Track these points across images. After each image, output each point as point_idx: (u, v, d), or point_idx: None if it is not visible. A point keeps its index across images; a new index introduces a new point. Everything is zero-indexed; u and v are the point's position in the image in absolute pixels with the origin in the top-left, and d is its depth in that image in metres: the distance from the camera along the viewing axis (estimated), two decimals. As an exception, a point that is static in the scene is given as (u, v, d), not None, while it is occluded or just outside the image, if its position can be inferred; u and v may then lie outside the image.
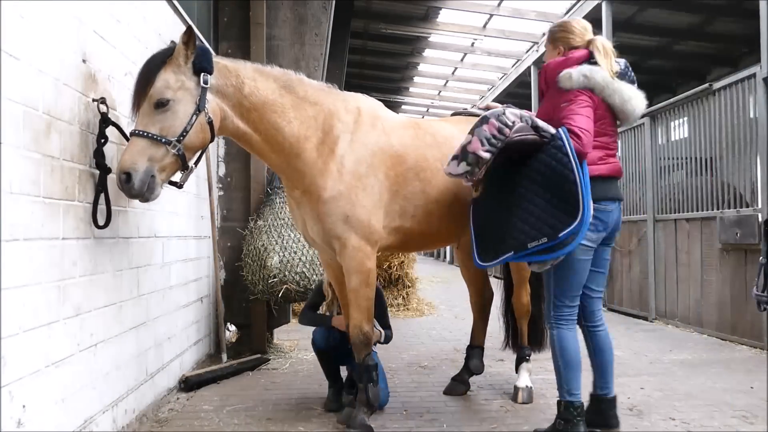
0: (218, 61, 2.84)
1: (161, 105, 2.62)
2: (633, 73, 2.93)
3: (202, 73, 2.70)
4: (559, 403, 2.86)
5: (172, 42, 2.80)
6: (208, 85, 2.72)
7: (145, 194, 2.57)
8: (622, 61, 2.92)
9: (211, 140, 2.81)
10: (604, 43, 2.87)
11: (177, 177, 2.80)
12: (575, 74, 2.77)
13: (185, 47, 2.67)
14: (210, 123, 2.73)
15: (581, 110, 2.73)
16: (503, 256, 2.75)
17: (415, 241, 3.40)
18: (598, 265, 2.95)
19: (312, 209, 3.03)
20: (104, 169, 2.69)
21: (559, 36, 2.99)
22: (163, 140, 2.60)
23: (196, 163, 2.88)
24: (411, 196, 3.17)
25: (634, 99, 2.82)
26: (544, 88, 2.97)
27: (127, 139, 2.91)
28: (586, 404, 2.92)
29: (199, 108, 2.68)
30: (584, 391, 2.91)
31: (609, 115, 2.85)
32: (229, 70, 2.84)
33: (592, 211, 2.58)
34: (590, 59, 2.84)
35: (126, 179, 2.52)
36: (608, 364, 2.99)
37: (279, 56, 4.83)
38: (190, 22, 4.28)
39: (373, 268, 3.10)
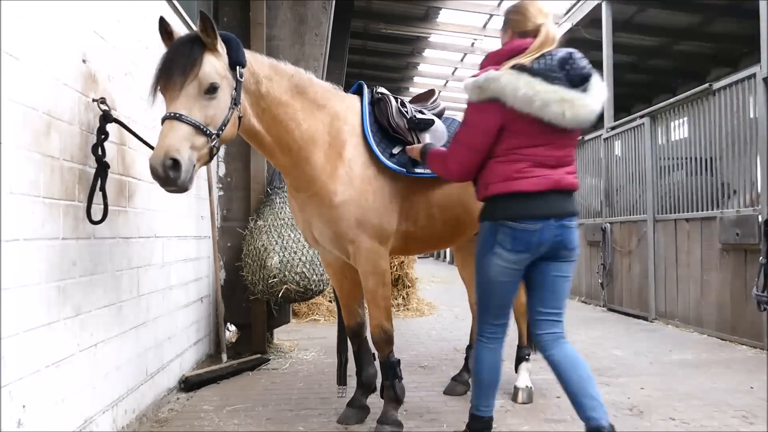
0: (245, 55, 2.71)
1: (212, 90, 2.43)
2: (582, 65, 2.43)
3: (238, 66, 2.58)
4: (469, 413, 2.72)
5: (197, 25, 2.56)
6: (243, 80, 2.61)
7: (187, 184, 2.33)
8: (563, 51, 2.45)
9: (233, 137, 2.70)
10: (547, 35, 2.45)
11: None
12: (471, 87, 2.44)
13: (205, 35, 2.47)
14: (239, 119, 2.62)
15: (463, 137, 2.52)
16: None
17: (417, 244, 3.40)
18: (541, 282, 2.57)
19: (322, 213, 2.99)
20: (103, 165, 2.65)
21: (509, 18, 2.60)
22: (207, 131, 2.40)
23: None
24: (415, 199, 3.16)
25: (554, 104, 2.31)
26: None
27: (137, 136, 2.93)
28: None
29: (236, 102, 2.56)
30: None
31: (534, 124, 2.38)
32: (253, 66, 2.73)
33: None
34: (514, 57, 2.46)
35: (172, 165, 2.27)
36: (575, 387, 2.49)
37: (279, 56, 4.78)
38: (190, 22, 4.28)
39: (387, 268, 3.10)
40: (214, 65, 2.48)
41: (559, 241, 2.47)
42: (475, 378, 2.70)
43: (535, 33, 2.48)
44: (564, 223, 2.47)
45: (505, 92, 2.35)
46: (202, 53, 2.45)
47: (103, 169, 2.66)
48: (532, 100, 2.32)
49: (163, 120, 2.38)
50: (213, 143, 2.46)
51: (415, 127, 3.12)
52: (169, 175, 2.28)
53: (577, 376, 2.49)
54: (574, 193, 2.55)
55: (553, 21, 2.56)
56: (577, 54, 2.46)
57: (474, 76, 2.48)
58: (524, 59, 2.40)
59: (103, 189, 2.66)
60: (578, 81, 2.41)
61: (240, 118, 2.63)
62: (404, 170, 3.03)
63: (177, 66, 2.39)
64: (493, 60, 2.51)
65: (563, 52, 2.45)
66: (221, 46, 2.56)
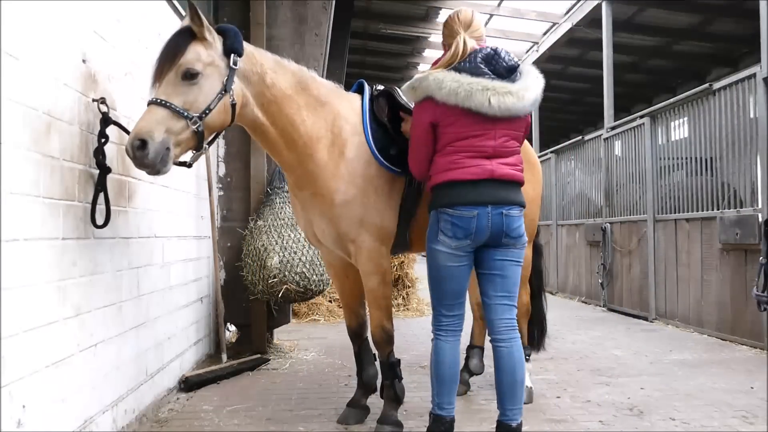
0: (246, 46, 2.78)
1: (189, 76, 2.52)
2: (506, 58, 2.64)
3: (232, 54, 2.64)
4: (429, 414, 2.72)
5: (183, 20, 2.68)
6: (237, 68, 2.66)
7: (158, 166, 2.45)
8: (488, 49, 2.66)
9: (230, 124, 2.75)
10: (456, 48, 2.66)
11: (187, 157, 2.70)
12: (406, 88, 2.69)
13: (193, 23, 2.57)
14: (233, 106, 2.67)
15: (413, 136, 2.74)
16: None
17: (419, 243, 3.40)
18: (488, 268, 2.69)
19: (323, 212, 3.00)
20: (104, 169, 2.68)
21: (443, 35, 2.91)
22: (185, 114, 2.49)
23: (210, 144, 2.80)
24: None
25: (478, 93, 2.49)
26: None
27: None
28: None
29: (226, 88, 2.61)
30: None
31: (465, 116, 2.55)
32: (255, 58, 2.79)
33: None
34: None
35: (140, 146, 2.38)
36: (507, 387, 2.64)
37: (279, 56, 4.82)
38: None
39: (389, 267, 3.12)
40: (197, 53, 2.57)
41: (499, 228, 2.60)
42: (435, 375, 2.69)
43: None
44: (502, 210, 2.60)
45: (432, 88, 2.56)
46: (188, 42, 2.56)
47: (104, 173, 2.68)
48: (457, 91, 2.51)
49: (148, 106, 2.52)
50: (195, 127, 2.53)
51: None
52: (136, 155, 2.40)
53: (512, 379, 2.65)
54: (517, 184, 2.68)
55: (472, 32, 2.76)
56: (502, 50, 2.68)
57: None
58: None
59: (105, 192, 2.68)
60: (505, 73, 2.61)
61: (234, 105, 2.67)
62: (399, 170, 3.02)
63: (162, 56, 2.55)
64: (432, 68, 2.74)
65: (488, 50, 2.66)
66: (211, 35, 2.63)
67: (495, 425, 2.70)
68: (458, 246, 2.61)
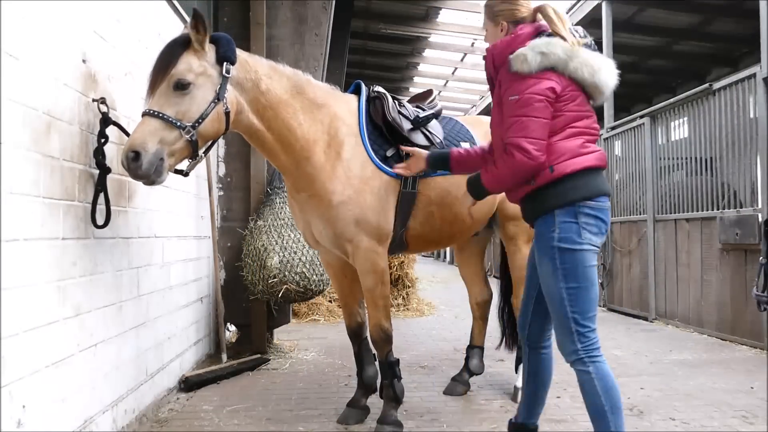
0: (239, 53, 2.79)
1: (181, 87, 2.54)
2: (593, 42, 2.40)
3: (225, 63, 2.65)
4: None
5: (185, 26, 2.72)
6: (230, 76, 2.68)
7: (152, 176, 2.48)
8: (580, 28, 2.41)
9: (225, 132, 2.76)
10: (555, 9, 2.36)
11: (183, 165, 2.72)
12: (530, 53, 2.23)
13: (195, 32, 2.59)
14: (227, 114, 2.68)
15: (531, 113, 2.22)
16: None
17: (417, 243, 3.41)
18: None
19: (321, 213, 3.01)
20: (104, 169, 2.68)
21: (499, 10, 2.49)
22: (178, 124, 2.51)
23: (206, 152, 2.82)
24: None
25: (604, 69, 2.28)
26: (494, 75, 2.44)
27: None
28: None
29: (219, 97, 2.63)
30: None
31: (581, 92, 2.29)
32: (249, 65, 2.80)
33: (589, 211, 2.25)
34: (541, 34, 2.34)
35: (134, 158, 2.42)
36: (544, 390, 2.62)
37: (279, 56, 4.82)
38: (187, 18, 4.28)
39: (386, 267, 3.12)
40: (189, 63, 2.59)
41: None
42: (611, 406, 2.21)
43: (531, 18, 2.42)
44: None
45: (562, 57, 2.23)
46: (180, 53, 2.58)
47: (104, 172, 2.68)
48: (589, 63, 2.24)
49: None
50: (188, 136, 2.55)
51: (420, 124, 3.16)
52: (131, 167, 2.45)
53: (549, 378, 2.66)
54: None
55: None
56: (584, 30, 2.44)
57: (505, 47, 2.34)
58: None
59: (105, 192, 2.68)
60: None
61: (228, 113, 2.68)
62: (395, 174, 3.02)
63: (155, 67, 2.58)
64: (514, 44, 2.33)
65: (579, 28, 2.41)
66: (208, 45, 2.64)
67: (508, 425, 2.71)
68: (601, 243, 2.28)
